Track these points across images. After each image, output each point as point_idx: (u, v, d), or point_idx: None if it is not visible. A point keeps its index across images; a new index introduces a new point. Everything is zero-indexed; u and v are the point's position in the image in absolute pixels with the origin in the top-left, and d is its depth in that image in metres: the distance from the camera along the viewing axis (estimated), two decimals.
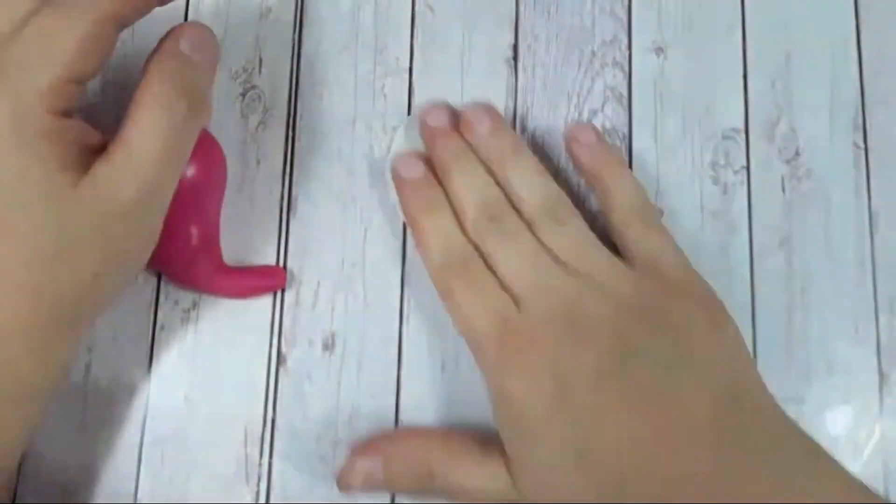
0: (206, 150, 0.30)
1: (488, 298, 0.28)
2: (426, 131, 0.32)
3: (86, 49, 0.25)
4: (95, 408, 0.31)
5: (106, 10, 0.25)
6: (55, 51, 0.24)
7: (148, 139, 0.25)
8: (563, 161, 0.33)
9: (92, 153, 0.25)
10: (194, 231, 0.30)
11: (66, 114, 0.25)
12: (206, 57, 0.28)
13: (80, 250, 0.25)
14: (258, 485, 0.30)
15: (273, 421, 0.31)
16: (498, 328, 0.27)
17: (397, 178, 0.31)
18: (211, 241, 0.31)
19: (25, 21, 0.24)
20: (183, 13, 0.35)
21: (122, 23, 0.26)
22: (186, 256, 0.30)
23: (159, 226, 0.27)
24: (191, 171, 0.29)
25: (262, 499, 0.30)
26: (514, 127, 0.34)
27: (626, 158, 0.33)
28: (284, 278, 0.32)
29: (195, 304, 0.32)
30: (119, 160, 0.25)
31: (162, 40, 0.28)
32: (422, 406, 0.31)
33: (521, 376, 0.26)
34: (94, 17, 0.25)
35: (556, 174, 0.33)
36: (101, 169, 0.25)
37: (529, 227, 0.29)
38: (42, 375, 0.26)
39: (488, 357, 0.28)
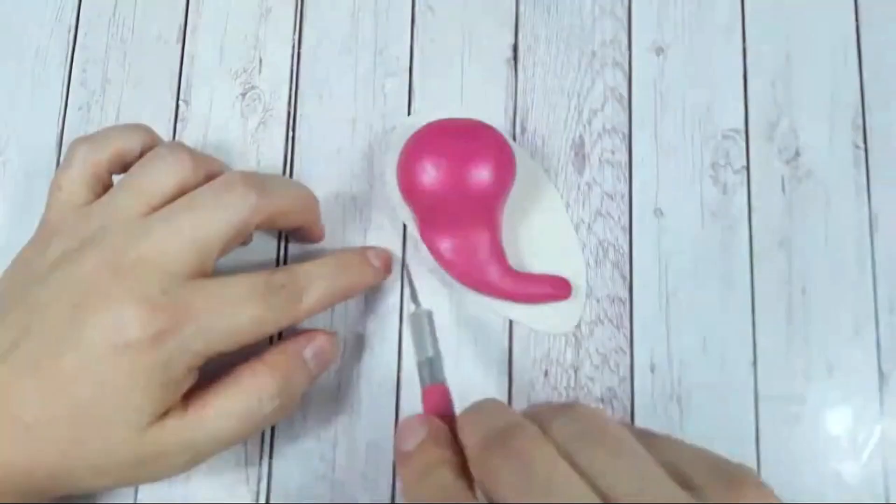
0: (504, 159, 0.30)
1: None
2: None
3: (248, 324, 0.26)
4: None
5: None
6: (230, 329, 0.25)
7: (225, 424, 0.26)
8: (564, 161, 0.33)
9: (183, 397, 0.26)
10: (486, 238, 0.30)
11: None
12: (321, 368, 0.29)
13: (105, 472, 0.25)
14: (258, 485, 0.30)
15: None
16: None
17: None
18: (499, 245, 0.31)
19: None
20: (183, 12, 0.35)
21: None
22: (478, 262, 0.30)
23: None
24: (487, 181, 0.30)
25: (262, 499, 0.30)
26: (513, 127, 0.34)
27: (627, 160, 0.33)
28: (570, 291, 0.31)
29: None
30: (189, 427, 0.25)
31: (293, 334, 0.29)
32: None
33: None
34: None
35: (556, 174, 0.33)
36: (171, 427, 0.25)
37: None
38: None
39: None
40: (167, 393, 0.25)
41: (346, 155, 0.34)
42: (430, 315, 0.28)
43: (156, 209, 0.26)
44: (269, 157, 0.33)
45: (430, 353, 0.27)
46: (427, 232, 0.31)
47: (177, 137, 0.34)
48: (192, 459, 0.26)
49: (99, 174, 0.28)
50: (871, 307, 0.32)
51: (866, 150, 0.33)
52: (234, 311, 0.25)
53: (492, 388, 0.31)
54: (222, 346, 0.25)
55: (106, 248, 0.25)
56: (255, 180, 0.27)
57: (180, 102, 0.34)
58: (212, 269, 0.26)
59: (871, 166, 0.33)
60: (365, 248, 0.31)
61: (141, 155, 0.28)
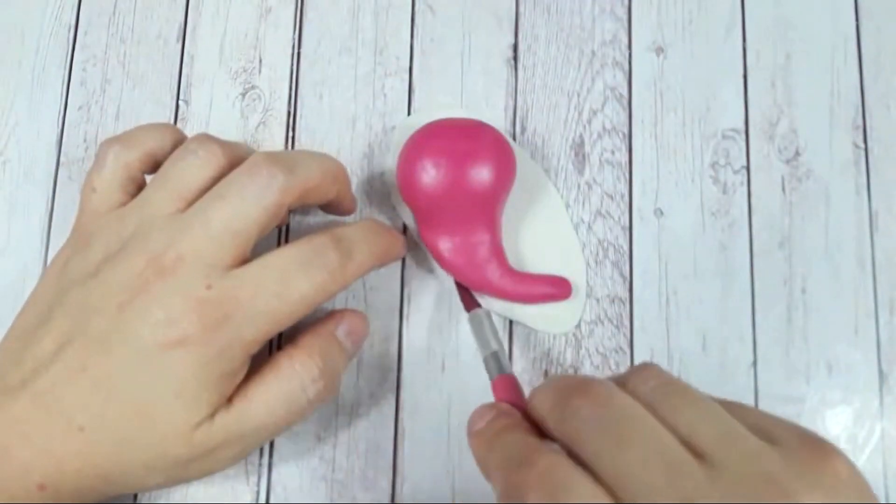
0: (505, 160, 0.30)
1: None
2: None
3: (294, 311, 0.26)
4: None
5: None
6: (281, 307, 0.25)
7: (267, 414, 0.26)
8: (564, 161, 0.33)
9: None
10: (486, 237, 0.30)
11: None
12: (356, 346, 0.29)
13: (155, 471, 0.26)
14: (258, 485, 0.30)
15: None
16: None
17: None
18: (499, 245, 0.31)
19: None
20: (183, 12, 0.35)
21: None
22: (478, 261, 0.30)
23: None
24: (488, 182, 0.30)
25: (262, 499, 0.30)
26: (513, 127, 0.34)
27: (627, 160, 0.33)
28: (570, 291, 0.31)
29: None
30: (236, 419, 0.26)
31: (323, 318, 0.29)
32: (422, 407, 0.31)
33: None
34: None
35: (556, 174, 0.33)
36: (219, 422, 0.25)
37: None
38: None
39: None
40: (225, 385, 0.25)
41: (346, 155, 0.34)
42: (487, 314, 0.29)
43: (191, 203, 0.26)
44: None
45: (494, 346, 0.28)
46: (427, 232, 0.31)
47: None
48: (240, 453, 0.26)
49: (132, 174, 0.28)
50: (871, 307, 0.32)
51: (866, 150, 0.33)
52: (282, 289, 0.25)
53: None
54: (275, 326, 0.25)
55: (146, 249, 0.25)
56: (281, 160, 0.26)
57: (180, 102, 0.34)
58: (250, 254, 0.26)
59: (871, 166, 0.33)
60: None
61: (172, 151, 0.28)
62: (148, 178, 0.29)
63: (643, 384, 0.22)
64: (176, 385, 0.24)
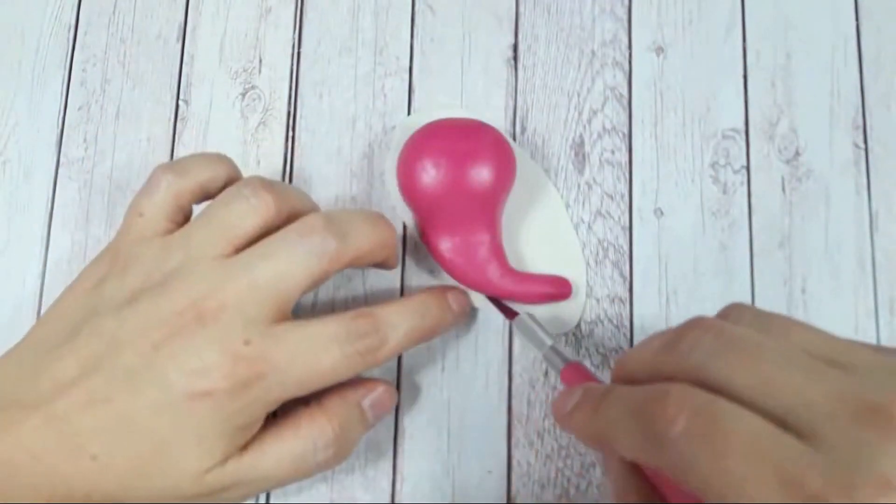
0: (505, 160, 0.30)
1: None
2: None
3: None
4: None
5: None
6: (309, 376, 0.25)
7: (279, 467, 0.26)
8: (564, 161, 0.33)
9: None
10: (486, 237, 0.30)
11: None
12: (377, 419, 0.29)
13: (159, 501, 0.25)
14: None
15: None
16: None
17: None
18: (499, 245, 0.31)
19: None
20: (183, 12, 0.35)
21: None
22: (478, 261, 0.30)
23: None
24: (488, 182, 0.30)
25: (263, 499, 0.30)
26: (513, 127, 0.34)
27: (627, 160, 0.33)
28: (570, 290, 0.31)
29: None
30: (246, 468, 0.26)
31: (352, 381, 0.28)
32: (422, 406, 0.31)
33: None
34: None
35: (556, 174, 0.33)
36: (231, 469, 0.25)
37: None
38: None
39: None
40: (240, 436, 0.25)
41: (346, 155, 0.34)
42: (529, 315, 0.30)
43: (239, 249, 0.26)
44: (269, 157, 0.34)
45: (549, 342, 0.29)
46: (427, 232, 0.31)
47: (177, 137, 0.34)
48: (244, 496, 0.27)
49: (181, 204, 0.28)
50: (871, 307, 0.32)
51: (866, 150, 0.33)
52: (315, 360, 0.25)
53: (492, 388, 0.31)
54: (300, 391, 0.26)
55: (189, 290, 0.25)
56: (335, 224, 0.26)
57: (180, 102, 0.34)
58: (290, 314, 0.26)
59: (871, 166, 0.33)
60: (444, 290, 0.30)
61: (224, 185, 0.28)
62: (196, 207, 0.29)
63: (740, 320, 0.22)
64: (195, 433, 0.24)
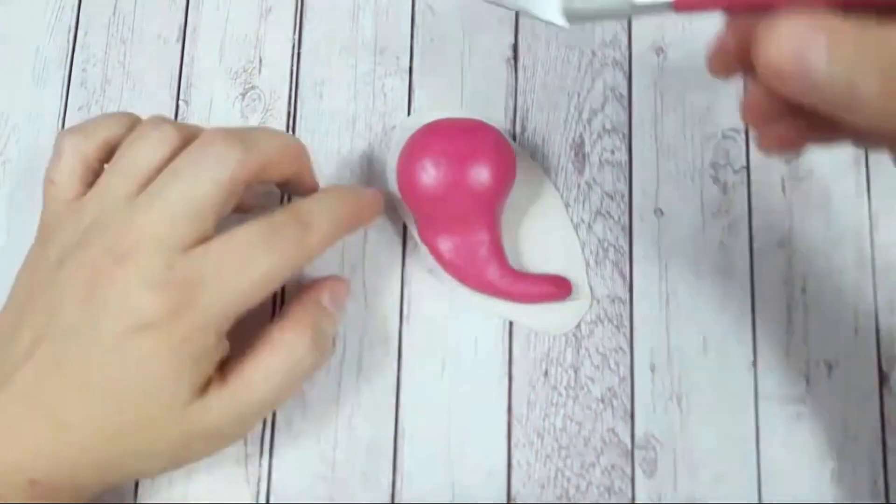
0: (505, 159, 0.30)
1: None
2: None
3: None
4: None
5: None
6: (246, 284, 0.25)
7: (266, 387, 0.26)
8: (563, 161, 0.33)
9: (219, 366, 0.26)
10: (486, 237, 0.30)
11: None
12: (341, 309, 0.29)
13: (154, 455, 0.26)
14: (258, 485, 0.30)
15: (273, 421, 0.31)
16: None
17: None
18: (499, 245, 0.31)
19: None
20: (183, 12, 0.35)
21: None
22: (478, 261, 0.31)
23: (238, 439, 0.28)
24: (488, 181, 0.30)
25: (262, 499, 0.30)
26: (513, 127, 0.34)
27: (627, 160, 0.33)
28: (571, 290, 0.31)
29: None
30: (234, 396, 0.26)
31: (305, 288, 0.29)
32: (422, 406, 0.31)
33: None
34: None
35: (556, 174, 0.33)
36: (215, 400, 0.25)
37: None
38: None
39: None
40: (201, 365, 0.25)
41: (346, 155, 0.34)
42: None
43: (148, 185, 0.26)
44: None
45: None
46: (427, 232, 0.31)
47: None
48: (241, 428, 0.27)
49: (89, 164, 0.28)
50: (871, 307, 0.32)
51: (866, 150, 0.33)
52: (245, 266, 0.25)
53: (492, 388, 0.31)
54: (243, 303, 0.25)
55: (104, 236, 0.25)
56: (237, 135, 0.26)
57: (180, 102, 0.34)
58: (212, 233, 0.26)
59: (872, 166, 0.33)
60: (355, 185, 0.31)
61: None
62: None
63: None
64: (153, 371, 0.24)
